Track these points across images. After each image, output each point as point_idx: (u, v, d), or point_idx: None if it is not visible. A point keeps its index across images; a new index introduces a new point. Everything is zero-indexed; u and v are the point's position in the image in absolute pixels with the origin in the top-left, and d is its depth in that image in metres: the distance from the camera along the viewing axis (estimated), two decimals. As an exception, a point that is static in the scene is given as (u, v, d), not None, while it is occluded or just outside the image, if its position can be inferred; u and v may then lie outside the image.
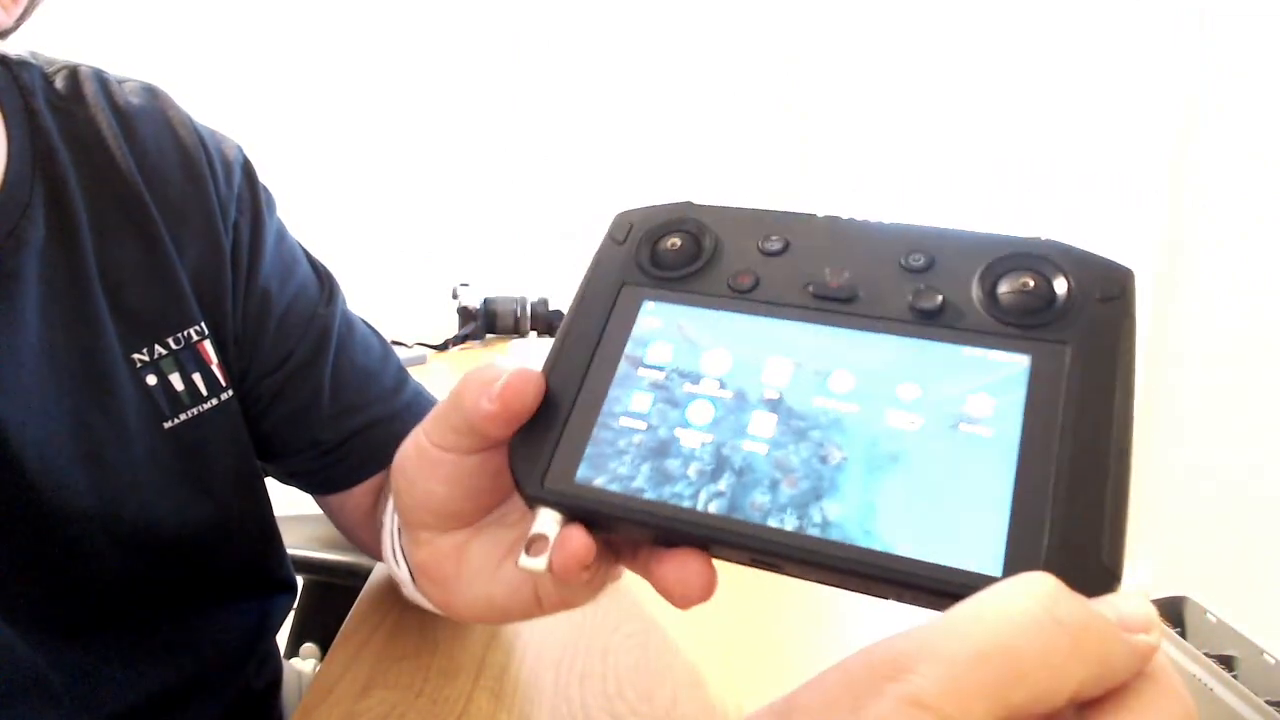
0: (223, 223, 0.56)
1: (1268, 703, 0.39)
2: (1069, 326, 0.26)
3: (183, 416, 0.54)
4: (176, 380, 0.53)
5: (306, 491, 0.65)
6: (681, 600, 0.27)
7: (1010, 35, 1.34)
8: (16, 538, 0.47)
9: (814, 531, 0.25)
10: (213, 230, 0.56)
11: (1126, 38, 1.09)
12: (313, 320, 0.61)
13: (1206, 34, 0.98)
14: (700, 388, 0.29)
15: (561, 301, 1.58)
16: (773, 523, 0.25)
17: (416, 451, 0.33)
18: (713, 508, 0.26)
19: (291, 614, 0.69)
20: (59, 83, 0.52)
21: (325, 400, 0.60)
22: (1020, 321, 0.27)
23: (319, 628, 0.95)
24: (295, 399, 0.60)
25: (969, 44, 1.45)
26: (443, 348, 1.50)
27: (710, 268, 0.31)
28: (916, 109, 1.61)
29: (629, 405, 0.29)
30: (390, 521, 0.42)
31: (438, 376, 1.31)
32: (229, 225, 0.57)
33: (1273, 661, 0.42)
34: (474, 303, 1.54)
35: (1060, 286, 0.27)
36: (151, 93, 0.57)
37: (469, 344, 1.52)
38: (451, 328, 1.53)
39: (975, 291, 0.28)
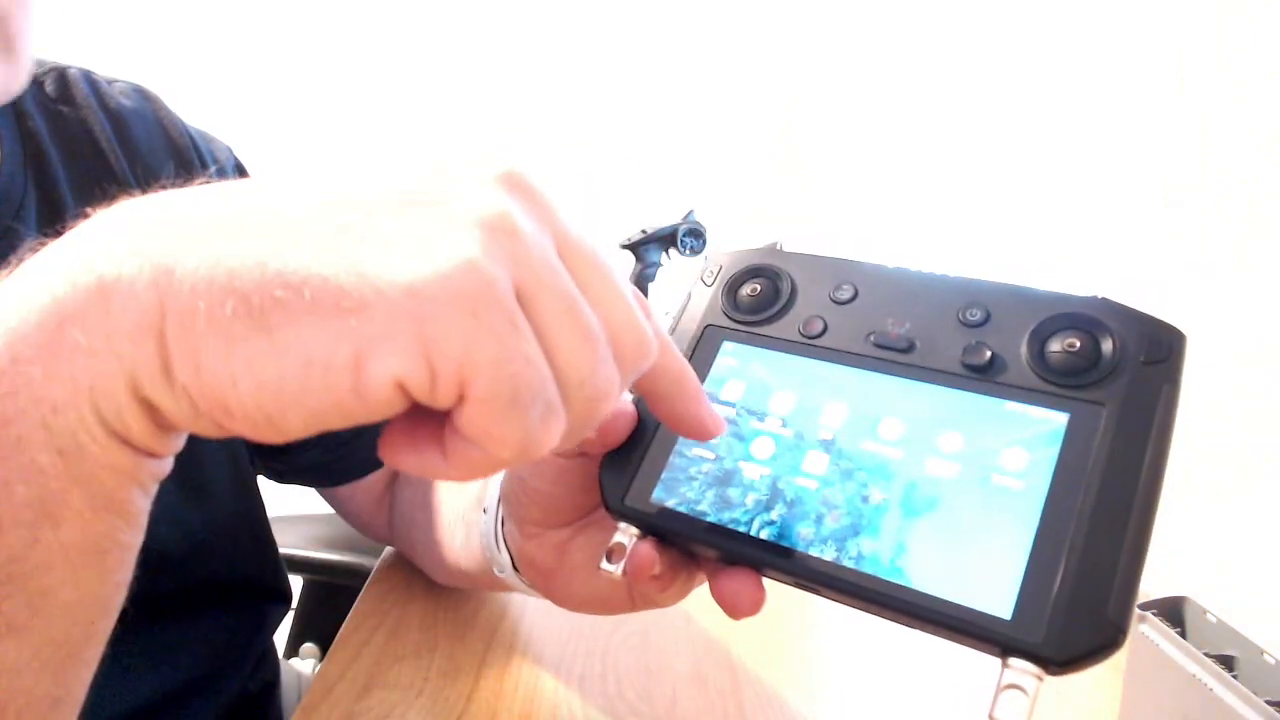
0: None
1: (1268, 703, 0.39)
2: (1109, 387, 0.27)
3: None
4: None
5: (315, 485, 0.66)
6: (732, 612, 0.31)
7: (1009, 48, 1.34)
8: None
9: (849, 563, 0.27)
10: None
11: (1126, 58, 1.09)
12: None
13: (1211, 36, 0.98)
14: (765, 425, 0.31)
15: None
16: (814, 552, 0.28)
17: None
18: (764, 534, 0.29)
19: (291, 614, 0.69)
20: (48, 85, 0.52)
21: None
22: (1063, 381, 0.28)
23: (319, 628, 0.95)
24: None
25: (968, 67, 1.45)
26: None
27: (785, 313, 0.34)
28: (916, 117, 1.61)
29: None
30: (495, 510, 0.45)
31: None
32: None
33: (1273, 661, 0.42)
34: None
35: (1106, 347, 0.28)
36: (142, 94, 0.56)
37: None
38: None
39: (1024, 349, 0.29)
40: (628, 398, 0.34)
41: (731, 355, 0.33)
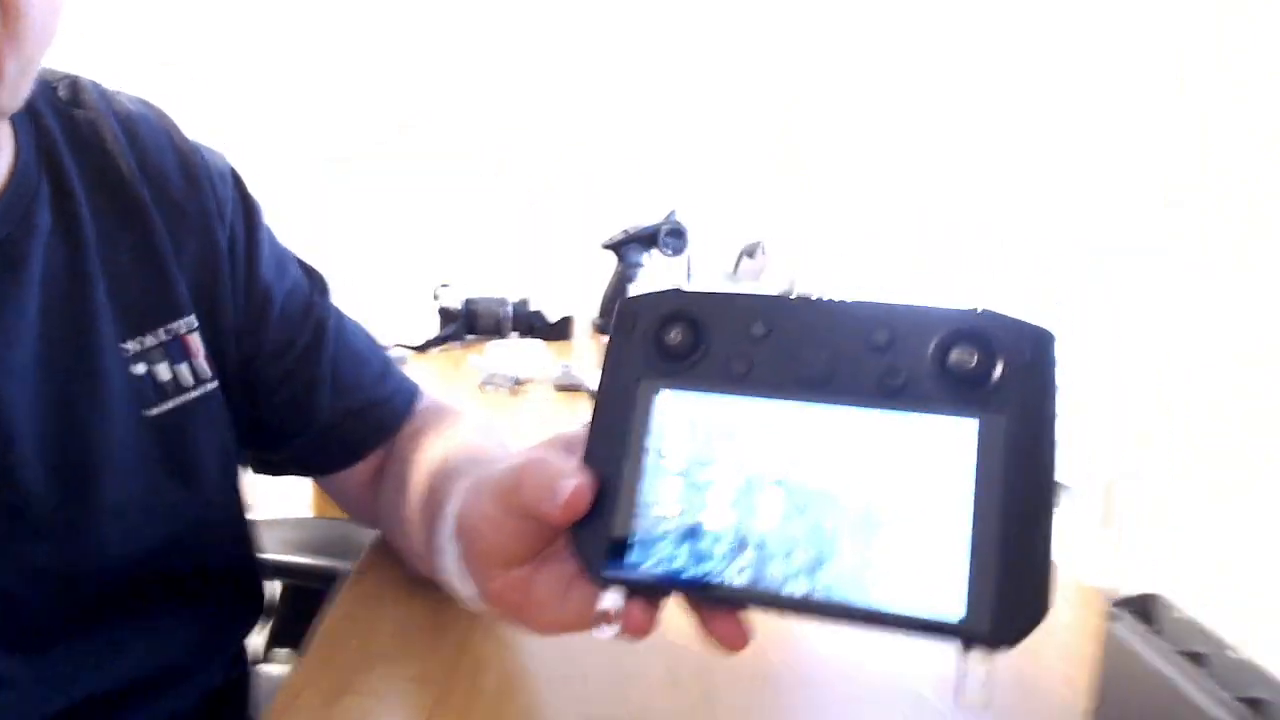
0: (220, 222, 0.59)
1: (1235, 698, 0.39)
2: (1004, 392, 0.31)
3: (167, 404, 0.56)
4: (163, 370, 0.56)
5: (307, 475, 0.68)
6: (726, 649, 0.33)
7: (1009, 48, 1.35)
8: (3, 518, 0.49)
9: (821, 594, 0.30)
10: (209, 228, 0.59)
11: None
12: (309, 311, 0.65)
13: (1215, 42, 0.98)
14: (714, 473, 0.33)
15: (542, 302, 1.57)
16: (788, 590, 0.31)
17: (483, 518, 0.39)
18: (740, 579, 0.31)
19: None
20: (61, 90, 0.56)
21: (327, 384, 0.64)
22: (966, 392, 0.31)
23: (294, 632, 0.94)
24: (299, 382, 0.63)
25: (968, 68, 1.46)
26: (423, 349, 1.49)
27: (709, 356, 0.35)
28: (915, 117, 1.61)
29: (659, 495, 0.33)
30: (450, 548, 0.46)
31: (419, 377, 1.30)
32: (225, 224, 0.60)
33: (1240, 658, 0.42)
34: (455, 304, 1.53)
35: (996, 356, 0.31)
36: (146, 104, 0.60)
37: (449, 345, 1.52)
38: (433, 329, 1.53)
39: (929, 365, 0.32)
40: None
41: (668, 406, 0.34)
